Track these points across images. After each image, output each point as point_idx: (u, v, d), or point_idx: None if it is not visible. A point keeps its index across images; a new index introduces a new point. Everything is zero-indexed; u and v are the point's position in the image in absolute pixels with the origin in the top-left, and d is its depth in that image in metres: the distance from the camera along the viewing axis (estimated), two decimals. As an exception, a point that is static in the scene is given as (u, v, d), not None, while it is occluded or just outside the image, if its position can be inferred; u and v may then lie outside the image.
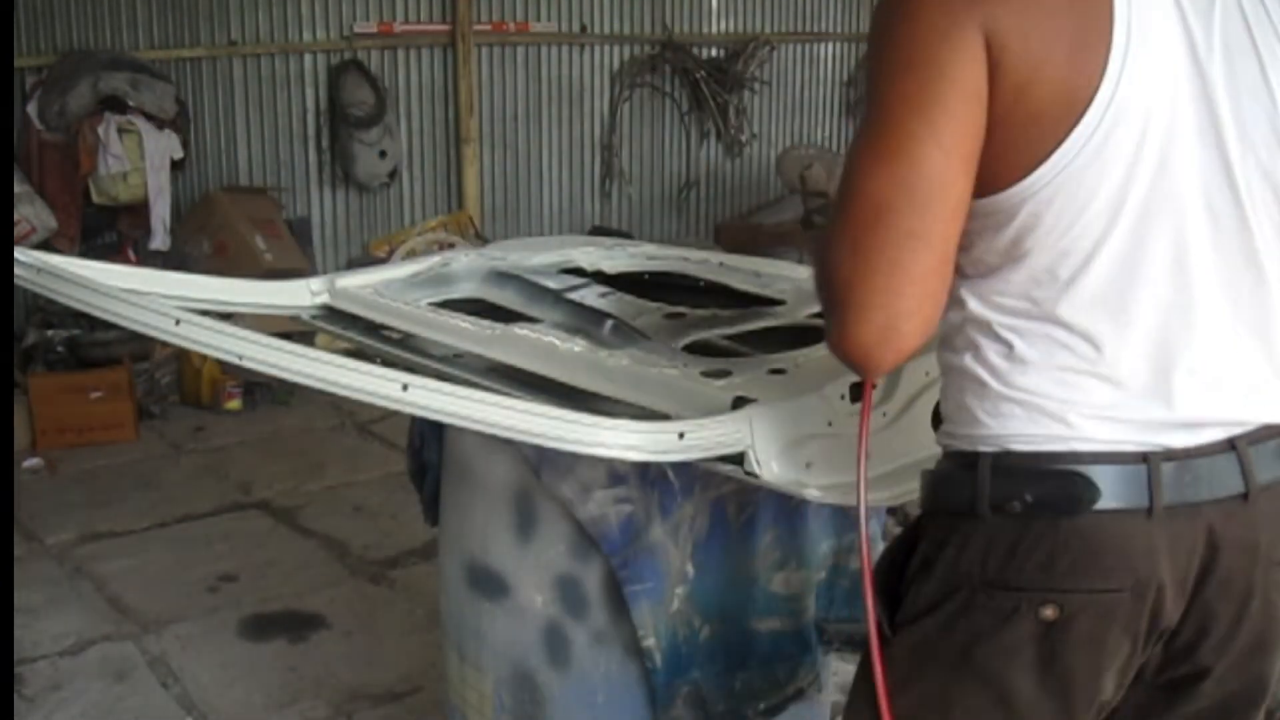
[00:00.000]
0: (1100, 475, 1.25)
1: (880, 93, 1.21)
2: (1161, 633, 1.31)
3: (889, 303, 1.20)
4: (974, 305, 1.30)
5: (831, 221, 1.23)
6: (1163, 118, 1.21)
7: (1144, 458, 1.25)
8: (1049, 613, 1.27)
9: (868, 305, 1.20)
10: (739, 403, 1.66)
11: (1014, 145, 1.21)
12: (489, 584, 2.02)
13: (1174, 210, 1.24)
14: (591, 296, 2.27)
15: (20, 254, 1.71)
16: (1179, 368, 1.27)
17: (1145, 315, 1.25)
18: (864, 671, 1.42)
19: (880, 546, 2.14)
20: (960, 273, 1.31)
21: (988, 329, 1.29)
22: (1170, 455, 1.26)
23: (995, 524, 1.28)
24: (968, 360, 1.31)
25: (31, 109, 5.64)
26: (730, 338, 2.09)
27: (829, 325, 1.25)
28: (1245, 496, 1.29)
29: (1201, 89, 1.23)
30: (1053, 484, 1.26)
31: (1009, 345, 1.27)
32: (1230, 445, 1.29)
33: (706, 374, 1.78)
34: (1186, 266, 1.26)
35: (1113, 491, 1.25)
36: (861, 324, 1.21)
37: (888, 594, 1.40)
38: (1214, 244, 1.26)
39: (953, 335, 1.34)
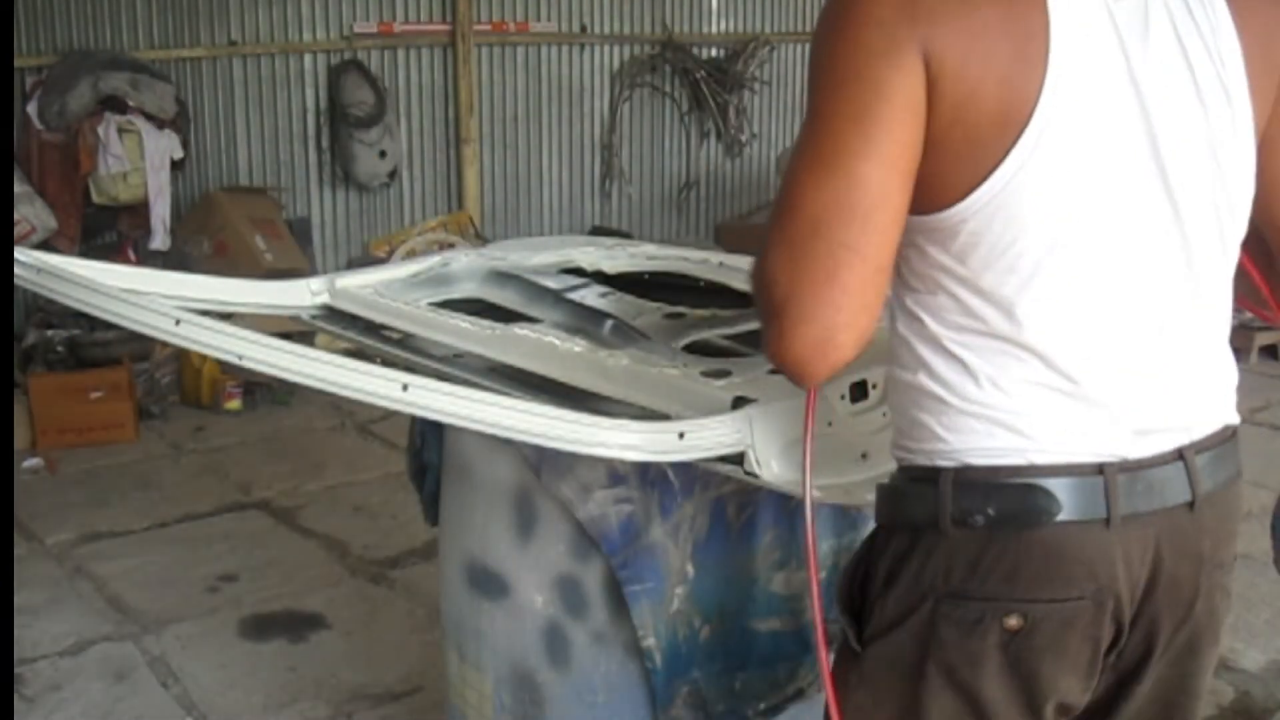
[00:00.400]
0: (1059, 488, 1.27)
1: (819, 107, 1.22)
2: (1118, 636, 1.35)
3: (825, 315, 1.21)
4: (926, 321, 1.31)
5: (769, 233, 1.24)
6: (1101, 136, 1.23)
7: (1099, 469, 1.28)
8: (1013, 622, 1.29)
9: (804, 317, 1.21)
10: (739, 403, 1.66)
11: (953, 165, 1.22)
12: (489, 584, 2.02)
13: (1115, 227, 1.26)
14: (591, 296, 2.27)
15: (20, 254, 1.71)
16: (1126, 379, 1.29)
17: (1092, 329, 1.27)
18: (837, 684, 1.43)
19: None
20: (909, 288, 1.32)
21: (939, 345, 1.30)
22: (1124, 466, 1.29)
23: (958, 538, 1.29)
24: (921, 377, 1.32)
25: (31, 109, 5.65)
26: (730, 338, 2.09)
27: (766, 334, 1.26)
28: (1191, 505, 1.33)
29: (1139, 107, 1.24)
30: (1014, 498, 1.28)
31: (962, 361, 1.28)
32: (1179, 455, 1.32)
33: (706, 374, 1.78)
34: (1129, 281, 1.28)
35: (1072, 503, 1.27)
36: (798, 335, 1.22)
37: (853, 609, 1.42)
38: (1155, 258, 1.29)
39: (903, 351, 1.35)
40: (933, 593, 1.31)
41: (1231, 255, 1.36)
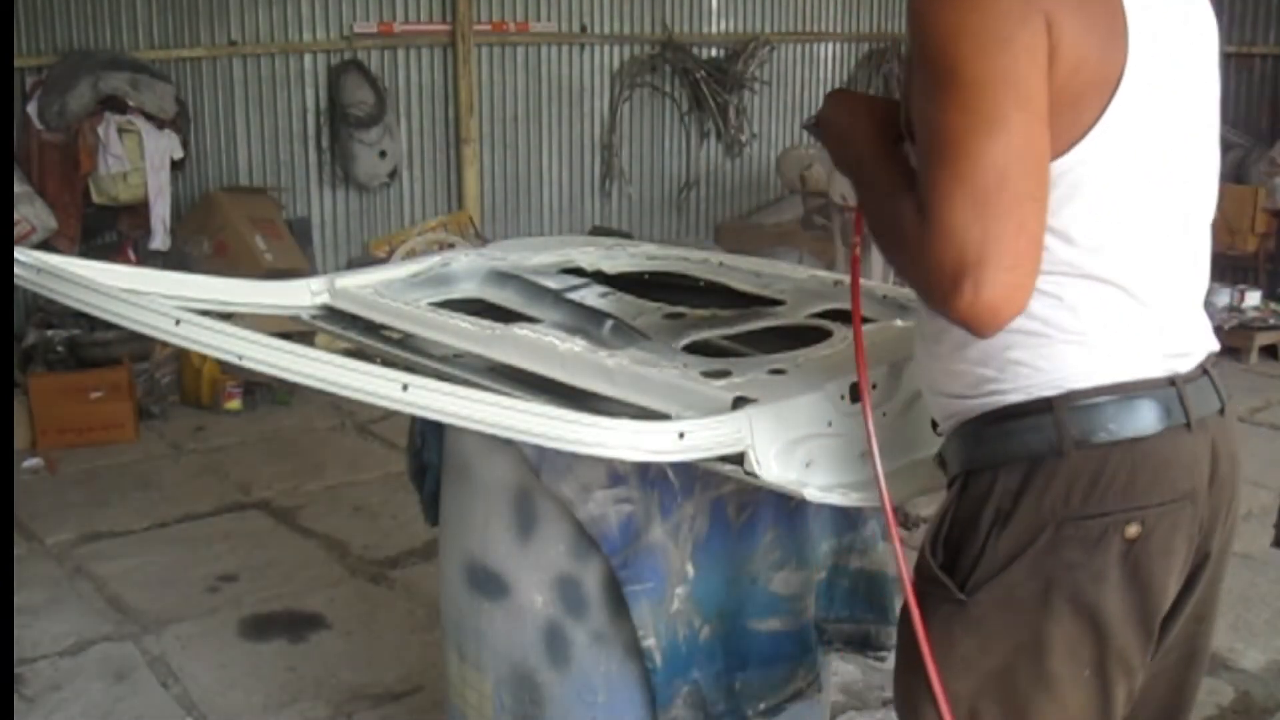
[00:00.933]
0: (1156, 398, 1.41)
1: (967, 69, 1.28)
2: (1198, 533, 1.47)
3: (1019, 263, 1.28)
4: None
5: (940, 192, 1.28)
6: (1158, 100, 1.39)
7: (1171, 381, 1.43)
8: (1132, 530, 1.39)
9: (1000, 267, 1.26)
10: (739, 403, 1.66)
11: (1057, 124, 1.32)
12: (489, 584, 2.02)
13: (1168, 178, 1.43)
14: (591, 296, 2.27)
15: (20, 254, 1.71)
16: (1173, 306, 1.46)
17: (1153, 263, 1.43)
18: (911, 648, 1.46)
19: (880, 546, 2.15)
20: None
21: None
22: (1185, 379, 1.44)
23: (1078, 459, 1.39)
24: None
25: (31, 109, 5.65)
26: (730, 338, 2.09)
27: (950, 288, 1.28)
28: (1222, 411, 1.50)
29: (1174, 77, 1.41)
30: (1127, 411, 1.40)
31: (1057, 298, 1.39)
32: (1203, 370, 1.49)
33: (706, 374, 1.77)
34: (1173, 223, 1.45)
35: (1166, 412, 1.41)
36: (996, 285, 1.26)
37: (947, 563, 1.46)
38: (1185, 206, 1.47)
39: None
40: (1053, 518, 1.39)
41: (1214, 205, 1.54)
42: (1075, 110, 1.33)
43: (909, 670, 1.48)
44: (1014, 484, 1.41)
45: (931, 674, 1.43)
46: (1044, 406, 1.40)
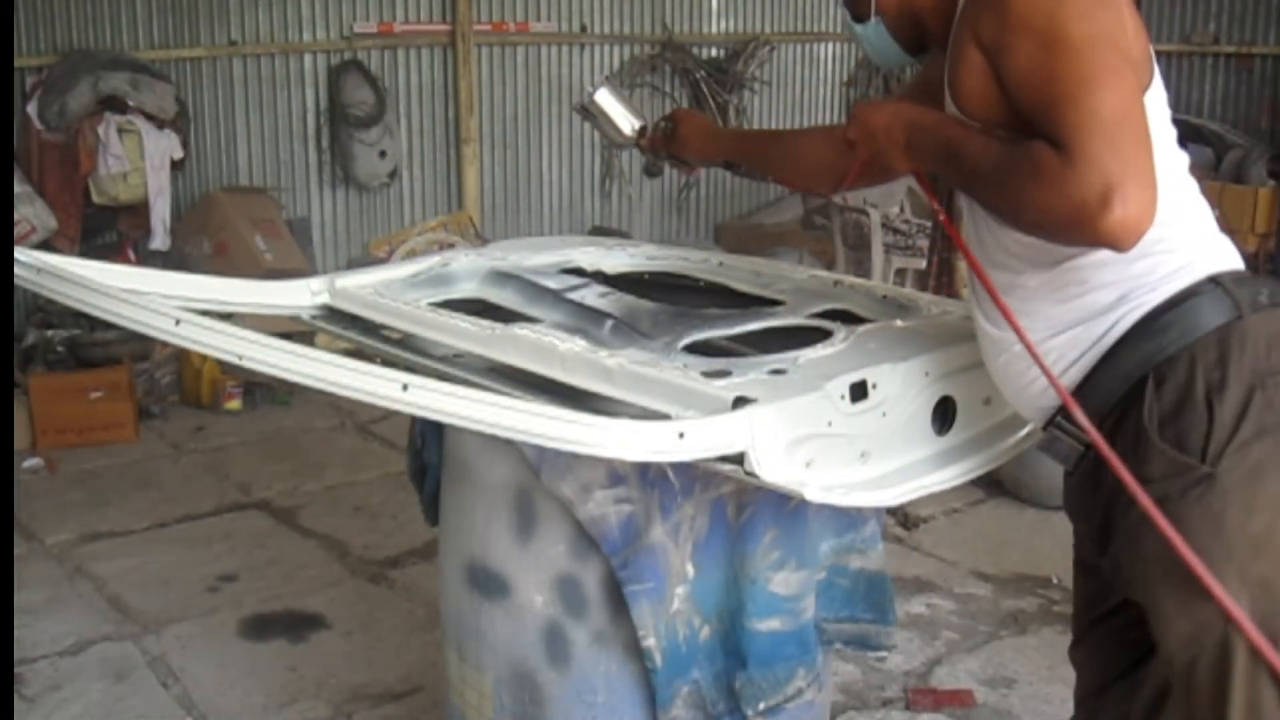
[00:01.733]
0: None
1: (1077, 32, 1.51)
2: None
3: (1150, 183, 1.47)
4: None
5: (1078, 130, 1.47)
6: (1159, 92, 1.67)
7: None
8: None
9: (1139, 185, 1.45)
10: (739, 403, 1.66)
11: None
12: (489, 584, 2.02)
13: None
14: (591, 296, 2.27)
15: (20, 254, 1.71)
16: None
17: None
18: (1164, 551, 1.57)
19: (880, 547, 2.15)
20: None
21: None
22: None
23: (1255, 320, 1.61)
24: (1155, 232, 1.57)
25: (31, 109, 5.65)
26: (730, 338, 2.09)
27: (1095, 210, 1.45)
28: None
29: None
30: (1262, 285, 1.63)
31: (1176, 209, 1.63)
32: None
33: (706, 374, 1.78)
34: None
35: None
36: (1137, 200, 1.45)
37: (1178, 441, 1.59)
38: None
39: None
40: (1256, 376, 1.59)
41: None
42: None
43: (1179, 569, 1.56)
44: (1213, 355, 1.59)
45: (1191, 560, 1.53)
46: (1207, 285, 1.61)
